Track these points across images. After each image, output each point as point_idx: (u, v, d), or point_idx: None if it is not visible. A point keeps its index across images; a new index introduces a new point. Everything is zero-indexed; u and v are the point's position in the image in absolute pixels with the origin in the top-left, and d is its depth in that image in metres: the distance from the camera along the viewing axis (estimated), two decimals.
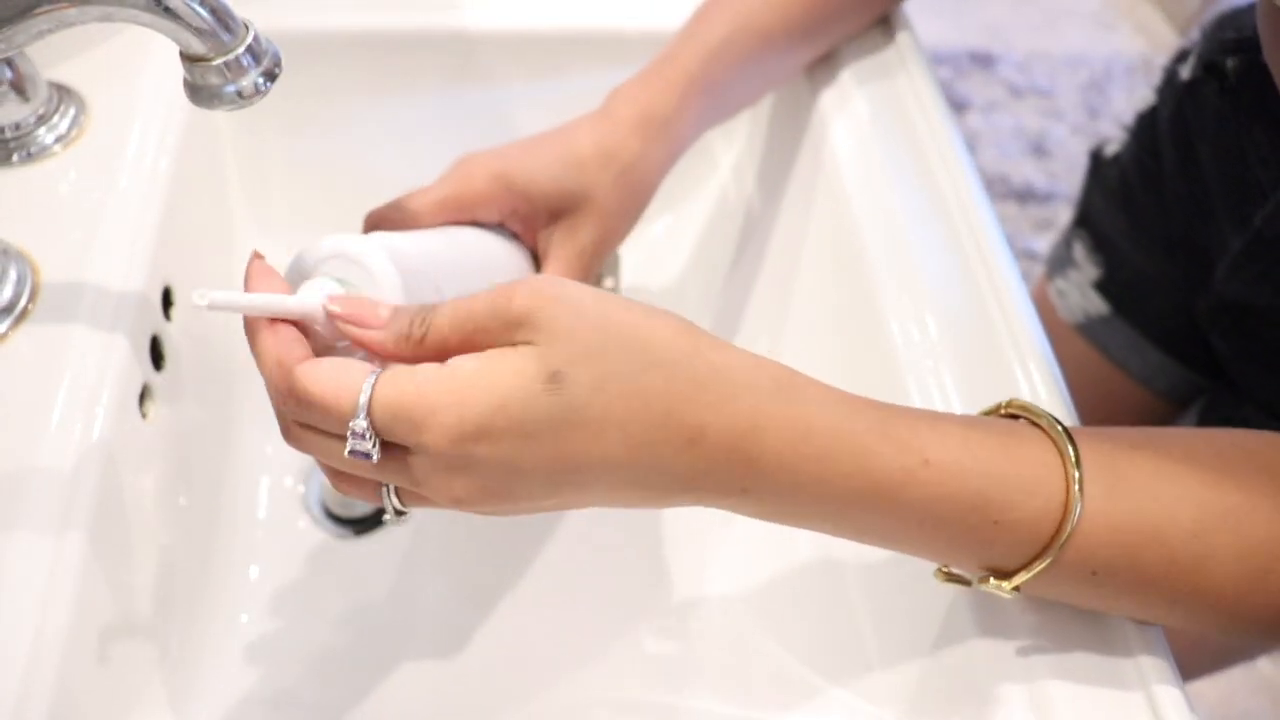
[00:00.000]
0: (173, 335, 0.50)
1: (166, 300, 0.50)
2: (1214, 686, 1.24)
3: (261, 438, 0.57)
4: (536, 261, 0.49)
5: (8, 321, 0.43)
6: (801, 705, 0.45)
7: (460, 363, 0.32)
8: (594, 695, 0.49)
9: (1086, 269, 0.76)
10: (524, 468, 0.32)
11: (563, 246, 0.47)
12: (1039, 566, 0.34)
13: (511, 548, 0.55)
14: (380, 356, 0.35)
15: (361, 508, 0.56)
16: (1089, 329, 0.77)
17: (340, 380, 0.32)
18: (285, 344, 0.34)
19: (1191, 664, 0.81)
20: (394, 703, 0.49)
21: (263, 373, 0.34)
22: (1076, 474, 0.34)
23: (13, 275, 0.44)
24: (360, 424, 0.32)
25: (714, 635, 0.51)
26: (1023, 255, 1.68)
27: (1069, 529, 0.33)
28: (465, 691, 0.50)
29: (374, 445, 0.32)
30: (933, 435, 0.34)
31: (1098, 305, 0.76)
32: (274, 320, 0.34)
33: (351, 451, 0.32)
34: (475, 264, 0.45)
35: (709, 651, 0.50)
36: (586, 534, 0.56)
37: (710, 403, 0.32)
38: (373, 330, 0.34)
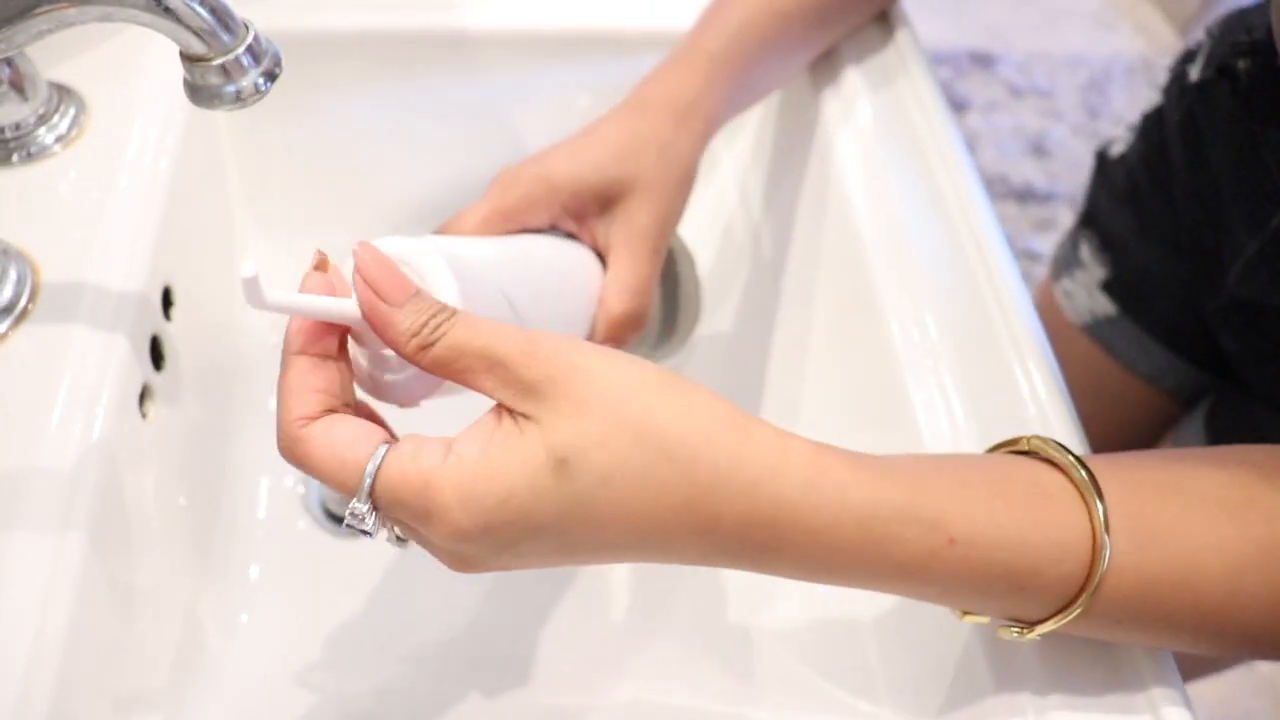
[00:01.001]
0: (173, 335, 0.50)
1: (166, 300, 0.50)
2: (1214, 687, 1.24)
3: (261, 438, 0.57)
4: (600, 257, 0.48)
5: (8, 321, 0.43)
6: None
7: (465, 451, 0.31)
8: (592, 697, 0.49)
9: (1093, 269, 0.76)
10: (527, 552, 0.32)
11: (623, 233, 0.47)
12: (1064, 620, 0.34)
13: None
14: (386, 342, 0.33)
15: None
16: (1096, 329, 0.76)
17: (345, 456, 0.32)
18: (302, 395, 0.33)
19: (1190, 666, 0.81)
20: (395, 702, 0.49)
21: (277, 415, 0.33)
22: (1103, 524, 0.33)
23: (13, 275, 0.44)
24: (360, 508, 0.32)
25: (730, 645, 0.51)
26: (1023, 255, 1.68)
27: (1094, 584, 0.33)
28: (466, 691, 0.50)
29: (373, 524, 0.32)
30: (958, 510, 0.33)
31: (1104, 306, 0.76)
32: (305, 354, 0.33)
33: (349, 526, 0.32)
34: (543, 266, 0.44)
35: (726, 661, 0.50)
36: None
37: (728, 496, 0.31)
38: (388, 307, 0.33)
